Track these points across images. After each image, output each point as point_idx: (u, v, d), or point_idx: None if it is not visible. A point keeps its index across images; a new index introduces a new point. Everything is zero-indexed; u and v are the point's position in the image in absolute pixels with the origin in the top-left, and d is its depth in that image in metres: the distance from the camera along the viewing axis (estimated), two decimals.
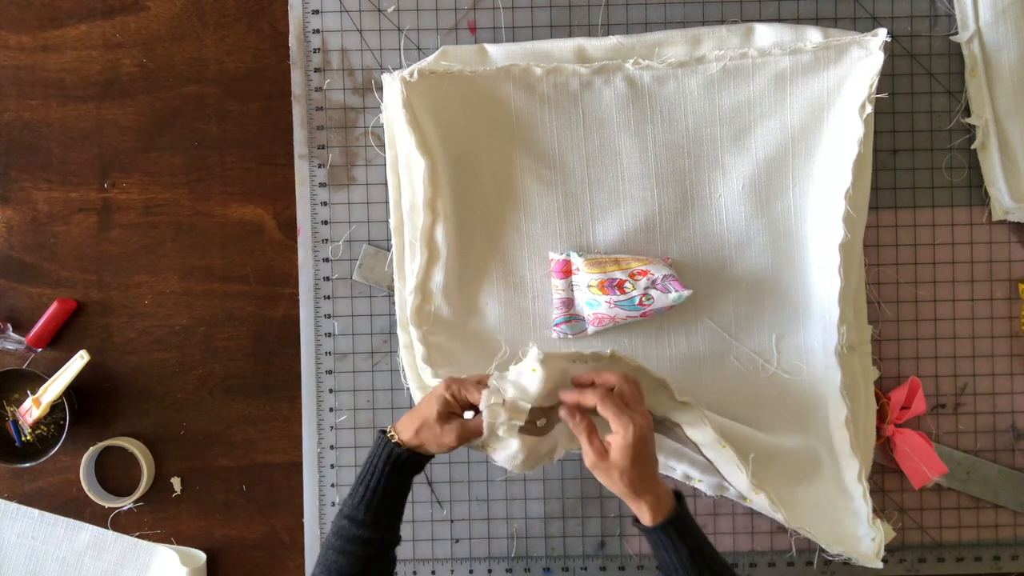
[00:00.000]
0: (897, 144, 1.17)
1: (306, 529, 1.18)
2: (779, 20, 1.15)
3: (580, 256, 1.11)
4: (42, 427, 1.17)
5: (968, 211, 1.17)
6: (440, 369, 1.08)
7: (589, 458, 0.91)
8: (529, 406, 0.92)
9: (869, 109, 1.05)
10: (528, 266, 1.14)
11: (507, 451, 0.94)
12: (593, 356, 0.96)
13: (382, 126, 1.15)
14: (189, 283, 1.19)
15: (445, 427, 0.94)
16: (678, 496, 0.94)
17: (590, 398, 0.91)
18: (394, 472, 0.95)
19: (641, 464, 0.90)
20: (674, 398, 1.00)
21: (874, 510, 1.07)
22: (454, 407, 0.95)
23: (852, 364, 1.11)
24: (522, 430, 0.94)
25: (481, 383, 0.95)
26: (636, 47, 1.11)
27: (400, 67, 1.15)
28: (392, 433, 0.96)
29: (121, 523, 1.20)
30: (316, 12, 1.16)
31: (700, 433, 1.00)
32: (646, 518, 0.92)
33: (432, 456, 0.97)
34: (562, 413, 0.93)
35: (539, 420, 0.95)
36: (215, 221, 1.19)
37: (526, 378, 0.92)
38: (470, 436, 0.94)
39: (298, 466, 1.19)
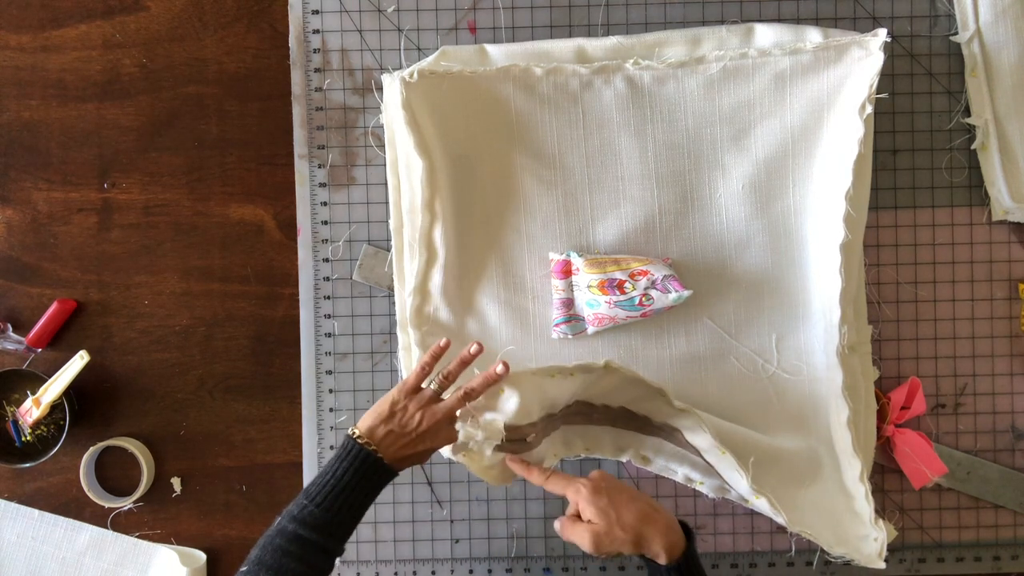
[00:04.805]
0: (897, 144, 1.17)
1: None
2: (779, 20, 1.15)
3: (580, 256, 1.11)
4: (42, 427, 1.17)
5: (968, 211, 1.17)
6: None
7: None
8: (503, 422, 0.92)
9: (869, 109, 1.05)
10: (528, 266, 1.14)
11: (479, 464, 0.95)
12: (581, 368, 0.95)
13: (382, 126, 1.15)
14: (189, 283, 1.19)
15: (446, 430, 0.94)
16: (687, 532, 0.95)
17: (536, 478, 0.95)
18: (369, 483, 0.93)
19: (634, 516, 0.91)
20: (672, 404, 1.00)
21: (876, 510, 1.07)
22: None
23: (852, 364, 1.11)
24: (508, 448, 0.94)
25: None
26: (636, 47, 1.11)
27: (400, 67, 1.15)
28: (371, 446, 0.93)
29: (121, 523, 1.20)
30: (316, 12, 1.16)
31: (700, 439, 1.01)
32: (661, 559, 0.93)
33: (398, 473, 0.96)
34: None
35: (528, 436, 0.95)
36: (215, 221, 1.19)
37: (496, 399, 0.92)
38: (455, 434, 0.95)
39: (298, 466, 1.19)
